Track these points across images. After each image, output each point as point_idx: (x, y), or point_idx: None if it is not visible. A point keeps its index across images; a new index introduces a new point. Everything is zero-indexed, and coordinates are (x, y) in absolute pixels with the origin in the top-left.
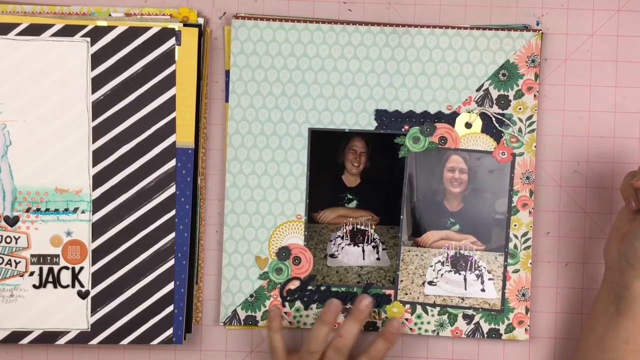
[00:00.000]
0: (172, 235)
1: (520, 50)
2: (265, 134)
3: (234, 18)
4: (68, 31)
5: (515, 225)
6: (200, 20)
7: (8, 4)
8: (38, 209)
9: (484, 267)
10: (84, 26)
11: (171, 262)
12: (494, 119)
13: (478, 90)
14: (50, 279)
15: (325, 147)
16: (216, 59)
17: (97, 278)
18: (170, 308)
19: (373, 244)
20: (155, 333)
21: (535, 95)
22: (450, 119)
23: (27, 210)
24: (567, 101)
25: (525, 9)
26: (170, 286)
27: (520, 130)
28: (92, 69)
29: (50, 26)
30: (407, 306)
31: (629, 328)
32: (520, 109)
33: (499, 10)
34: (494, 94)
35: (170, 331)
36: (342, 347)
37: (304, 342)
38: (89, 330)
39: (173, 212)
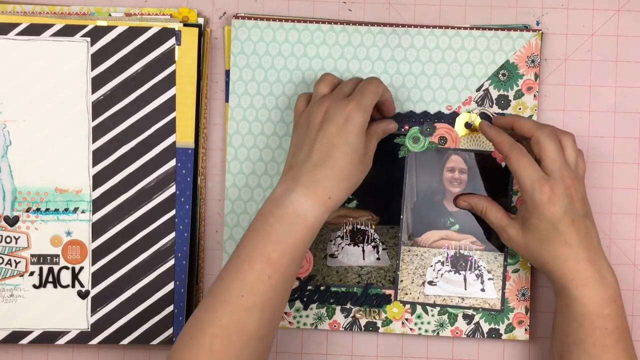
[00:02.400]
0: (172, 235)
1: (520, 50)
2: (265, 134)
3: (234, 18)
4: (68, 31)
5: None
6: (200, 20)
7: (8, 4)
8: (38, 209)
9: (484, 267)
10: (84, 26)
11: (171, 262)
12: (494, 119)
13: (478, 90)
14: (50, 279)
15: None
16: (216, 59)
17: (97, 278)
18: (170, 308)
19: (373, 244)
20: (155, 333)
21: (535, 95)
22: (450, 119)
23: (27, 210)
24: (567, 101)
25: (525, 9)
26: (170, 286)
27: None
28: (92, 68)
29: (50, 26)
30: (407, 306)
31: (562, 321)
32: (520, 109)
33: (499, 10)
34: (494, 94)
35: (170, 331)
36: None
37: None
38: (89, 330)
39: (173, 212)
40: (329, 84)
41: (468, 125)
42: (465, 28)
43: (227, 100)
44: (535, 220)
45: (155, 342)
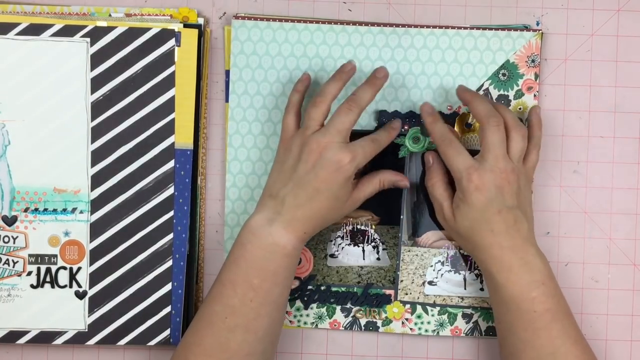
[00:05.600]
0: (170, 236)
1: (520, 50)
2: (265, 134)
3: (234, 18)
4: (68, 31)
5: None
6: (200, 20)
7: (8, 4)
8: (36, 209)
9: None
10: (84, 26)
11: (169, 263)
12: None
13: (478, 90)
14: (47, 279)
15: None
16: (216, 59)
17: (94, 278)
18: (168, 309)
19: (373, 244)
20: (152, 334)
21: (535, 95)
22: (450, 119)
23: (26, 210)
24: (567, 101)
25: (525, 9)
26: (168, 287)
27: None
28: (92, 69)
29: (50, 26)
30: (407, 306)
31: (495, 309)
32: (520, 109)
33: (499, 10)
34: (494, 93)
35: (167, 332)
36: (353, 103)
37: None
38: (86, 330)
39: (171, 213)
40: (324, 111)
41: (468, 125)
42: (465, 28)
43: (227, 100)
44: (465, 207)
45: (152, 342)
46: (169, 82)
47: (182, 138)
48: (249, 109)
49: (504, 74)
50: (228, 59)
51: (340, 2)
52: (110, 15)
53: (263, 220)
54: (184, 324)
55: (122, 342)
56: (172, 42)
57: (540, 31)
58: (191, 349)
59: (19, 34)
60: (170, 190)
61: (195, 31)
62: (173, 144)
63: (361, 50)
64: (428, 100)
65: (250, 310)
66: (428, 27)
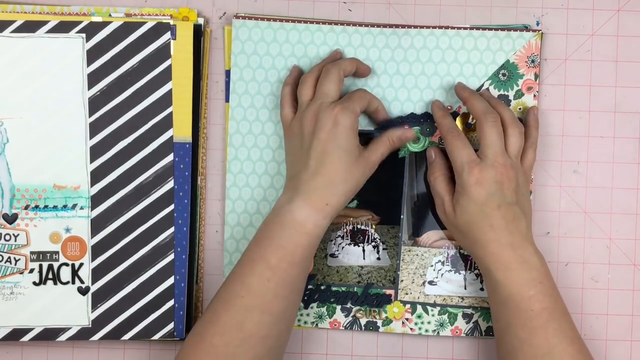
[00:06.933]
0: (172, 229)
1: (520, 50)
2: (266, 134)
3: (234, 18)
4: (63, 27)
5: None
6: (200, 20)
7: (8, 4)
8: (37, 206)
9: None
10: (79, 22)
11: (171, 257)
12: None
13: (478, 90)
14: (50, 276)
15: None
16: (216, 59)
17: (97, 274)
18: (171, 303)
19: (373, 243)
20: (156, 328)
21: (535, 95)
22: None
23: (26, 208)
24: (567, 101)
25: (525, 9)
26: (171, 281)
27: None
28: (88, 64)
29: (45, 23)
30: (408, 306)
31: (492, 307)
32: (520, 109)
33: (499, 10)
34: (494, 93)
35: (171, 325)
36: (332, 66)
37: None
38: (90, 326)
39: (172, 207)
40: (311, 86)
41: (469, 125)
42: (465, 28)
43: (227, 100)
44: (465, 201)
45: (156, 336)
46: (166, 75)
47: (181, 131)
48: (250, 109)
49: (504, 74)
50: (228, 59)
51: (340, 2)
52: (110, 15)
53: (285, 200)
54: (187, 317)
55: (126, 336)
56: (167, 35)
57: (540, 31)
58: (207, 328)
59: (14, 31)
60: (170, 184)
61: (191, 23)
62: (171, 137)
63: (361, 50)
64: (428, 100)
65: (267, 291)
66: (428, 27)
